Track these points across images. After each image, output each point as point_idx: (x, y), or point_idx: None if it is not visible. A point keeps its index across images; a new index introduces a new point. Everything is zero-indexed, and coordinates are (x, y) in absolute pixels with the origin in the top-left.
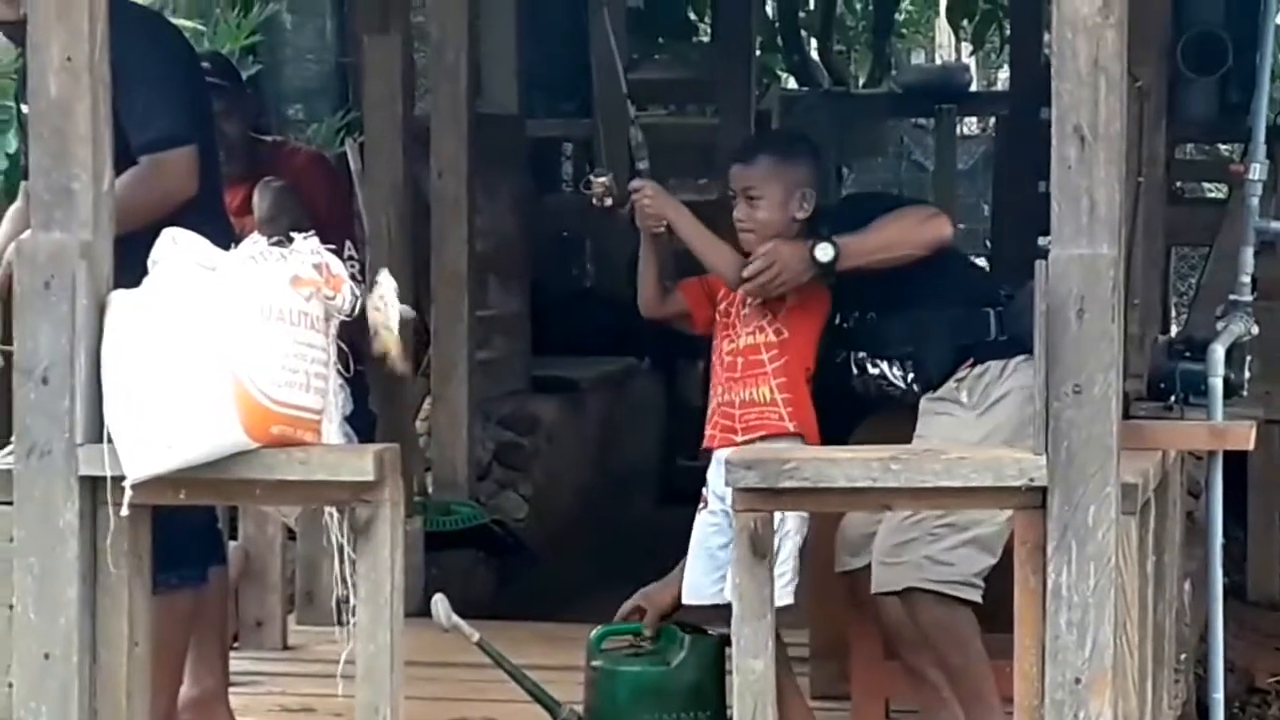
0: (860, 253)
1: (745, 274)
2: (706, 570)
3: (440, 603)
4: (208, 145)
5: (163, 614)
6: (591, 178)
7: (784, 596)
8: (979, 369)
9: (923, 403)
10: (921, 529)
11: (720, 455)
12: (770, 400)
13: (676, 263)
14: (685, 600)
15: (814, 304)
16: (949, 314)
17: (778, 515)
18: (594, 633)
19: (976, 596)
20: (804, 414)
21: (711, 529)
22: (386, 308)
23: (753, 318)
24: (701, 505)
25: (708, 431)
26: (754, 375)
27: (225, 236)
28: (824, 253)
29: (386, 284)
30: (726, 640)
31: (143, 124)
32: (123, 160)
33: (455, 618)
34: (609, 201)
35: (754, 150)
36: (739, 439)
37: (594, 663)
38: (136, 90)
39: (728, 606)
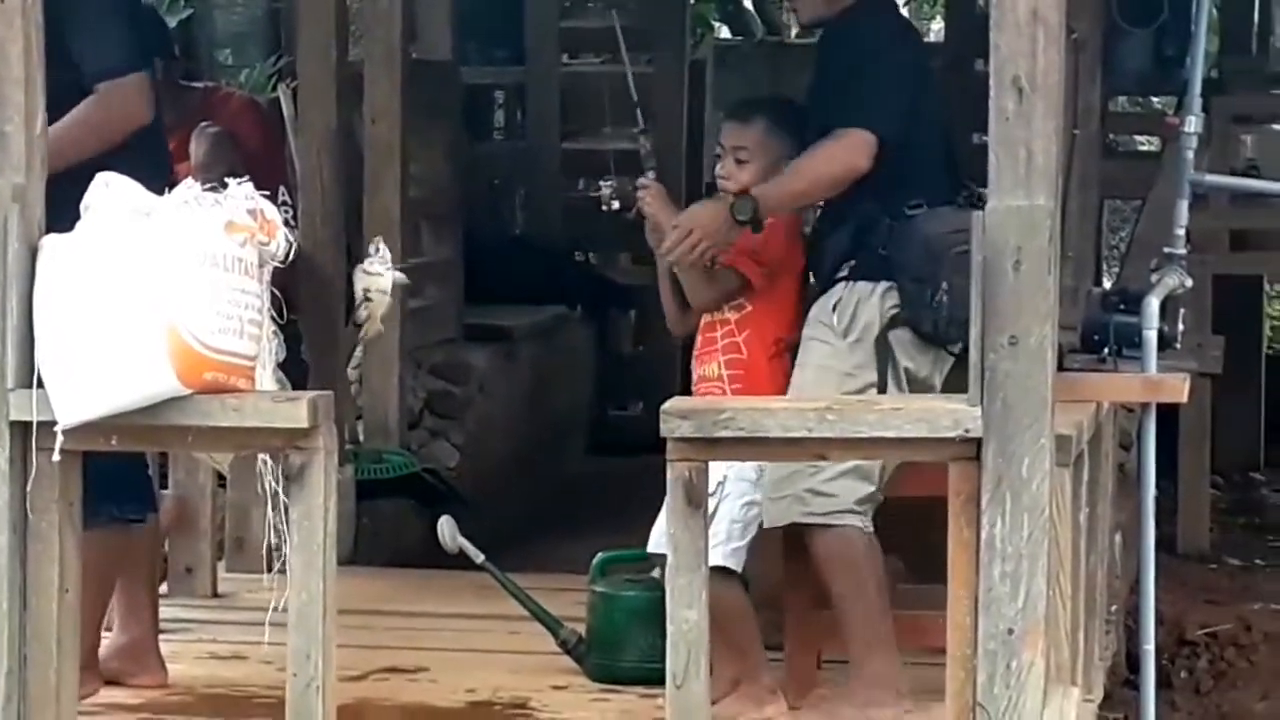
0: (780, 201)
1: (663, 249)
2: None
3: (446, 524)
4: (153, 76)
5: (92, 549)
6: (601, 183)
7: (713, 556)
8: (854, 286)
9: (812, 310)
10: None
11: None
12: (716, 376)
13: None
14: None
15: (783, 272)
16: (860, 209)
17: (716, 474)
18: (596, 558)
19: (858, 522)
20: (753, 389)
21: None
22: (384, 274)
23: None
24: None
25: None
26: (708, 352)
27: (166, 172)
28: (742, 210)
29: (384, 251)
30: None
31: (96, 53)
32: (64, 99)
33: (461, 539)
34: (616, 205)
35: (751, 112)
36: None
37: (595, 587)
38: (87, 22)
39: None
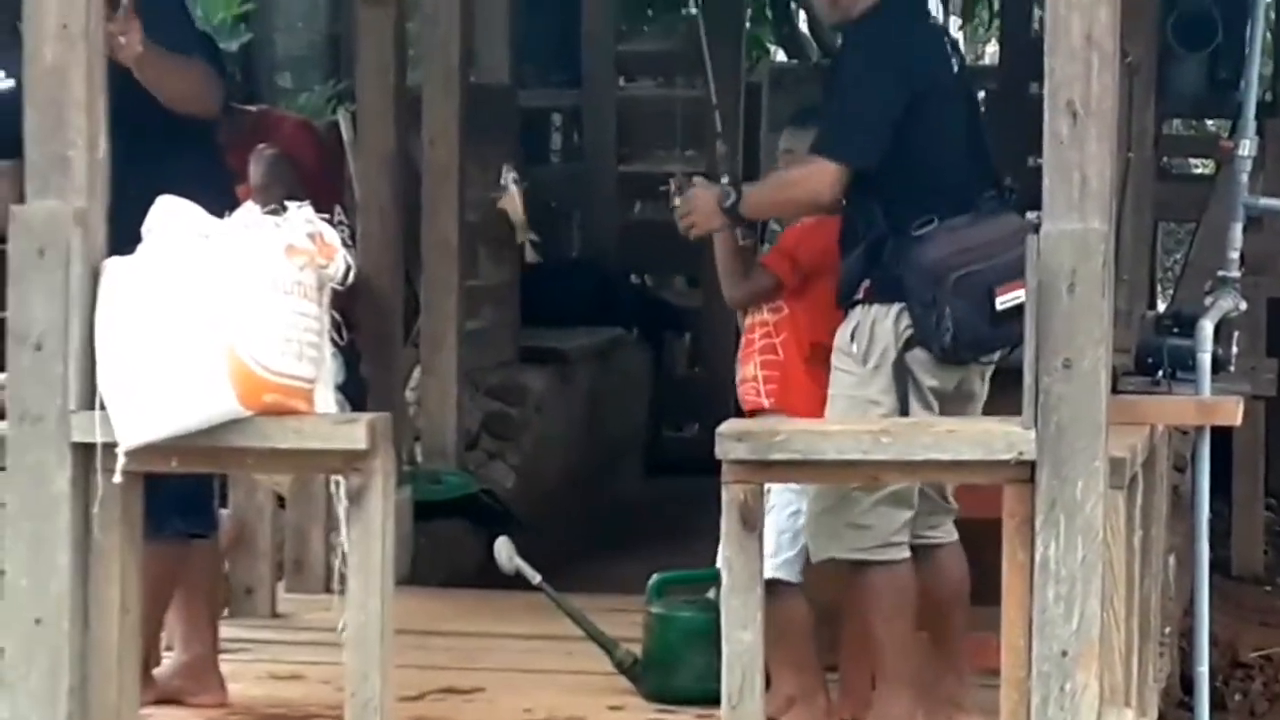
0: (753, 207)
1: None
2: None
3: (503, 544)
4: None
5: (152, 561)
6: (670, 179)
7: (765, 570)
8: (870, 309)
9: (835, 337)
10: (837, 494)
11: None
12: (752, 377)
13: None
14: None
15: (821, 276)
16: (872, 230)
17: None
18: (653, 579)
19: (895, 555)
20: (787, 391)
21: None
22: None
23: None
24: None
25: None
26: (747, 354)
27: (229, 194)
28: (727, 198)
29: (505, 176)
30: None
31: (165, 37)
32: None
33: (518, 559)
34: (677, 201)
35: (808, 117)
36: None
37: (651, 608)
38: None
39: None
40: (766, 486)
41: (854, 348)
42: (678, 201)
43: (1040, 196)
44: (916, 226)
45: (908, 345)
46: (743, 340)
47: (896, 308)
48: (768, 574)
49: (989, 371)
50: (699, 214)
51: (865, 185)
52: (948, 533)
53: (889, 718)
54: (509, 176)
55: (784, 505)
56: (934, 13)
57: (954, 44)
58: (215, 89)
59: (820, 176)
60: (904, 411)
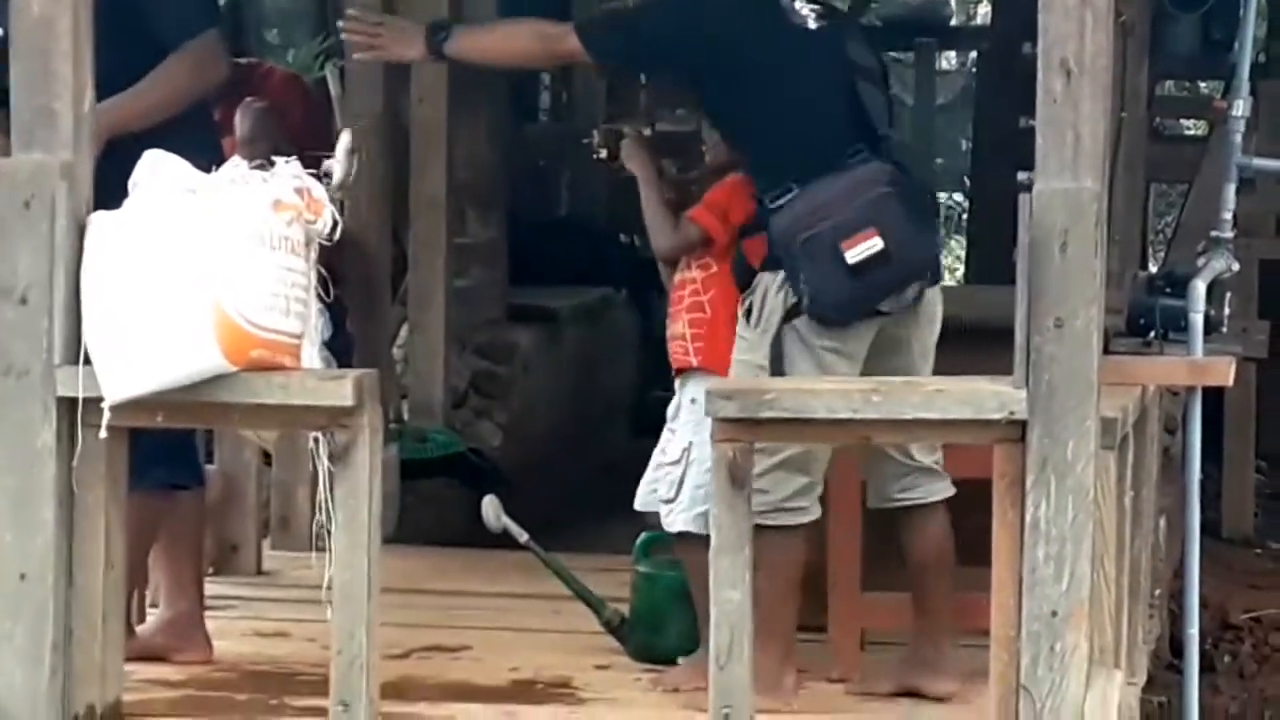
0: (470, 44)
1: (346, 18)
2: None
3: (490, 503)
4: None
5: (135, 510)
6: (595, 130)
7: (677, 522)
8: (762, 277)
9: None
10: (762, 459)
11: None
12: (680, 334)
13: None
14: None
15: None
16: (760, 199)
17: (681, 441)
18: (640, 538)
19: (790, 520)
20: (715, 349)
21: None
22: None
23: (684, 260)
24: None
25: None
26: (676, 310)
27: (216, 147)
28: (438, 33)
29: (340, 145)
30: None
31: (175, 13)
32: (120, 75)
33: (505, 518)
34: (604, 153)
35: None
36: (672, 373)
37: (638, 567)
38: None
39: None
40: (687, 440)
41: (750, 314)
42: (603, 154)
43: (1032, 156)
44: (773, 199)
45: (793, 311)
46: (671, 298)
47: (781, 274)
48: (682, 526)
49: (910, 315)
50: (392, 39)
51: (747, 155)
52: (925, 494)
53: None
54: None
55: (703, 461)
56: None
57: (825, 11)
58: (218, 61)
59: (559, 42)
60: (780, 374)
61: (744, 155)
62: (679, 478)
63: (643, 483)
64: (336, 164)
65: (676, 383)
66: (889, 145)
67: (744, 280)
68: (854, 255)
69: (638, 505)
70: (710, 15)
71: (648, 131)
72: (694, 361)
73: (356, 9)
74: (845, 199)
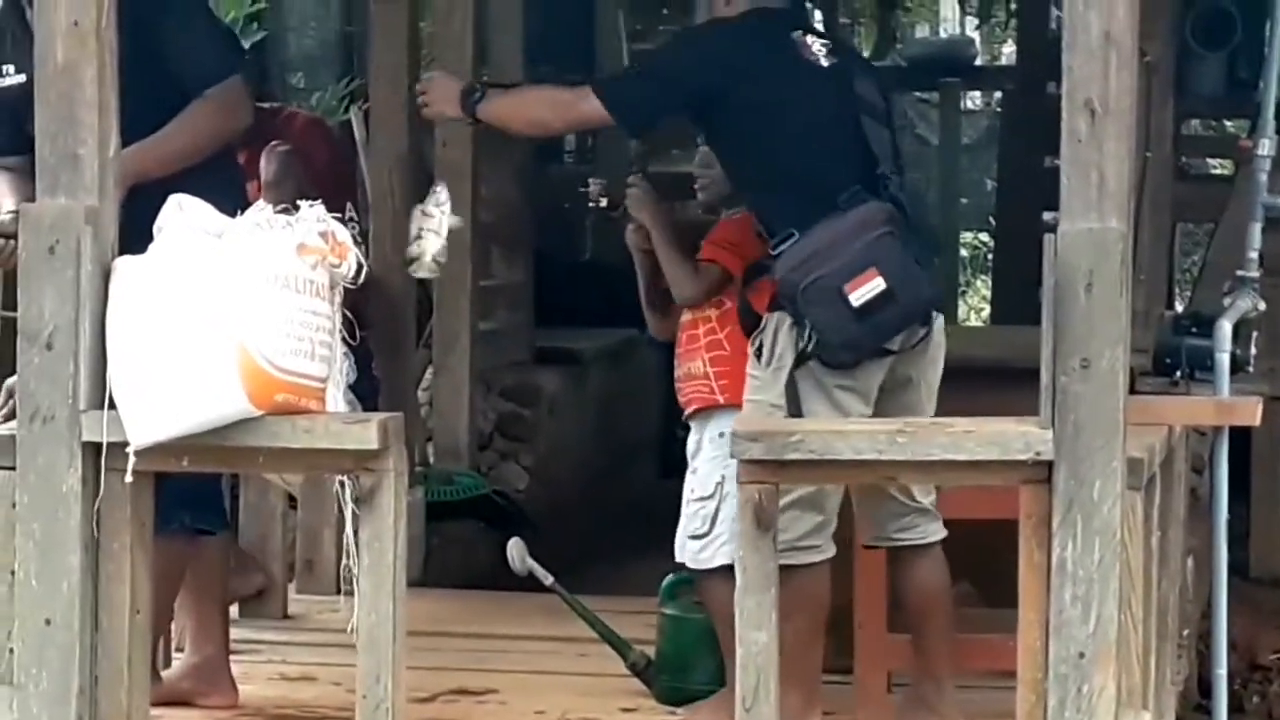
0: (496, 110)
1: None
2: None
3: (515, 546)
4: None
5: (160, 555)
6: (591, 180)
7: (717, 557)
8: (775, 316)
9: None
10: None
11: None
12: (702, 374)
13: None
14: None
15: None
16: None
17: (714, 476)
18: (666, 581)
19: (806, 559)
20: (737, 384)
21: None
22: (436, 214)
23: None
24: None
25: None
26: (692, 350)
27: (240, 191)
28: (473, 93)
29: (441, 193)
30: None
31: (199, 59)
32: (149, 116)
33: (530, 561)
34: (604, 202)
35: None
36: (686, 413)
37: (664, 609)
38: (185, 30)
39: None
40: (719, 474)
41: (760, 353)
42: (602, 203)
43: (1057, 196)
44: (776, 244)
45: (804, 354)
46: (680, 338)
47: (790, 317)
48: (721, 560)
49: (917, 353)
50: (437, 96)
51: (749, 196)
52: (922, 534)
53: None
54: (437, 194)
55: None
56: (801, 32)
57: (835, 46)
58: (243, 108)
59: (580, 109)
60: (797, 414)
61: (748, 191)
62: (713, 512)
63: (680, 532)
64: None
65: (693, 423)
66: (888, 184)
67: (749, 322)
68: (858, 297)
69: (680, 558)
70: (728, 46)
71: (635, 177)
72: (721, 400)
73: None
74: (846, 241)
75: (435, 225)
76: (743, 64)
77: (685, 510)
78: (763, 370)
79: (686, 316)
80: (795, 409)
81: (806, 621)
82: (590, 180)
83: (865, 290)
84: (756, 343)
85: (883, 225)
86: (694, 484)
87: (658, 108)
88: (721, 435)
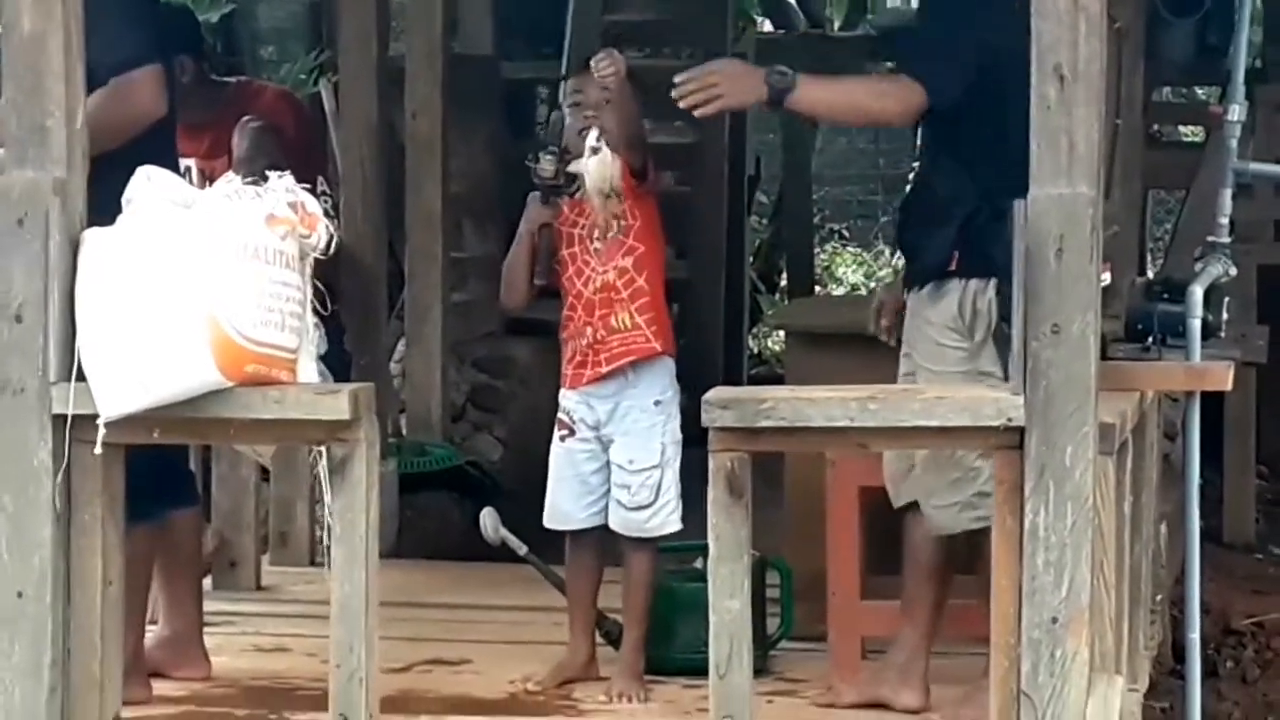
0: (812, 99)
1: (677, 80)
2: (578, 495)
3: (489, 515)
4: (169, 70)
5: (132, 545)
6: (541, 154)
7: (673, 524)
8: (968, 285)
9: (924, 310)
10: (962, 467)
11: (594, 389)
12: (633, 325)
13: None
14: (551, 525)
15: (651, 211)
16: (964, 202)
17: (654, 445)
18: None
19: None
20: (667, 330)
21: (584, 455)
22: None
23: (609, 253)
24: (563, 433)
25: (570, 371)
26: (612, 306)
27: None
28: (780, 81)
29: (592, 135)
30: (764, 561)
31: (110, 46)
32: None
33: (503, 530)
34: (548, 174)
35: (606, 56)
36: (604, 369)
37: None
38: (102, 15)
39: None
40: (659, 443)
41: (959, 322)
42: (550, 174)
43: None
44: (995, 210)
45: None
46: (598, 299)
47: (993, 282)
48: (670, 528)
49: None
50: (731, 85)
51: (953, 152)
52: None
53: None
54: (593, 140)
55: (675, 456)
56: None
57: None
58: (147, 99)
59: (906, 100)
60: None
61: (972, 152)
62: (658, 480)
63: (568, 498)
64: (585, 166)
65: (607, 385)
66: None
67: (933, 273)
68: None
69: (558, 524)
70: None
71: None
72: (658, 347)
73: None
74: None
75: (585, 165)
76: (997, 20)
77: (622, 481)
78: (967, 340)
79: (605, 279)
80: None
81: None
82: (541, 154)
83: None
84: (951, 308)
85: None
86: (631, 454)
87: (961, 85)
88: (658, 403)
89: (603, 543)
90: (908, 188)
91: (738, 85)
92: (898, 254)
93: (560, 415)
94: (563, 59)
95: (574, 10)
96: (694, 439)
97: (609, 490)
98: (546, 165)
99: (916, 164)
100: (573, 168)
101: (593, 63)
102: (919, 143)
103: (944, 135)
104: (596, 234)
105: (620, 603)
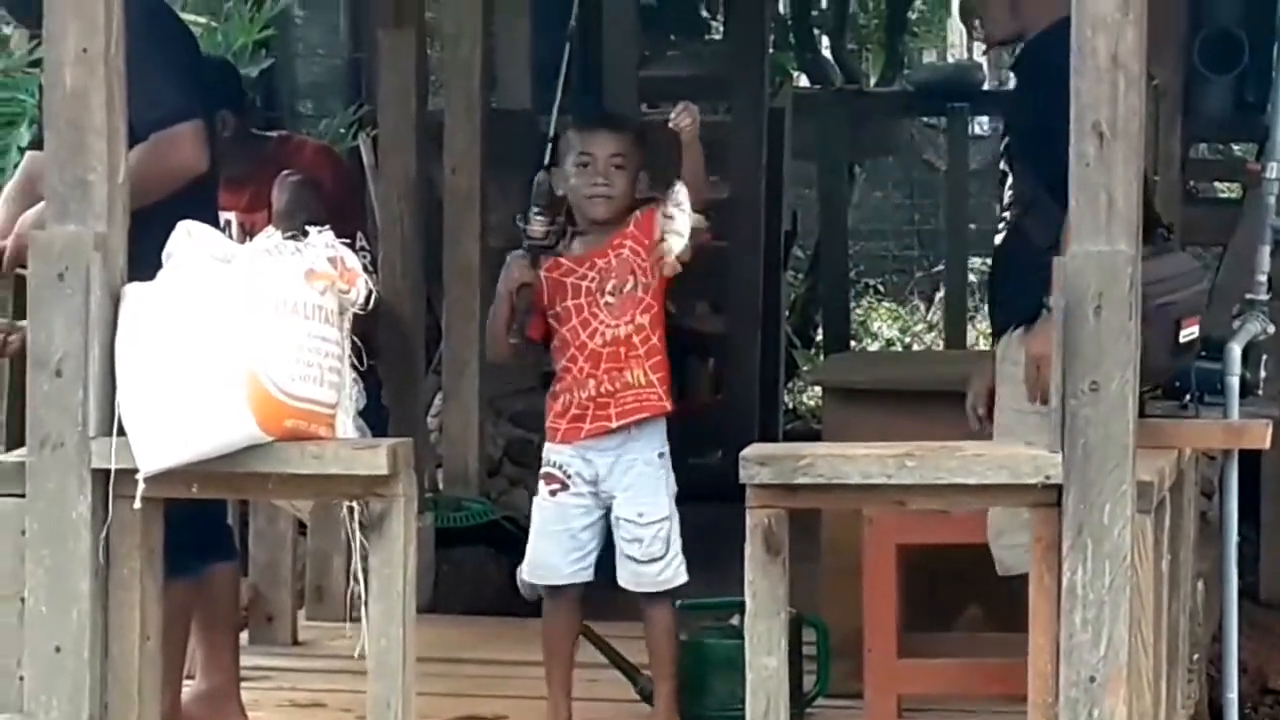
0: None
1: (674, 114)
2: (566, 551)
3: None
4: (210, 125)
5: (170, 600)
6: (532, 214)
7: (683, 575)
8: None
9: (1000, 348)
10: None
11: (594, 443)
12: (646, 382)
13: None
14: (533, 580)
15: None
16: (1055, 249)
17: (663, 494)
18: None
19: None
20: (668, 386)
21: (577, 510)
22: (679, 215)
23: (623, 308)
24: (554, 488)
25: (564, 425)
26: (627, 360)
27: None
28: None
29: (681, 193)
30: (800, 618)
31: (151, 102)
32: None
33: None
34: (538, 235)
35: (620, 120)
36: (613, 424)
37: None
38: (142, 71)
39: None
40: (665, 499)
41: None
42: (542, 233)
43: None
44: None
45: None
46: (606, 352)
47: None
48: (680, 580)
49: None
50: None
51: (1048, 203)
52: None
53: None
54: (675, 195)
55: (674, 512)
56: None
57: None
58: (188, 155)
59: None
60: None
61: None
62: (668, 532)
63: (555, 553)
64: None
65: (610, 439)
66: (1171, 234)
67: (1024, 316)
68: (1186, 335)
69: (547, 579)
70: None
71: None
72: (667, 406)
73: (390, 89)
74: (1189, 279)
75: (678, 226)
76: None
77: (632, 535)
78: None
79: (619, 333)
80: None
81: None
82: (531, 214)
83: (1190, 331)
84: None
85: (1204, 279)
86: (640, 507)
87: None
88: (661, 455)
89: (583, 600)
90: (997, 238)
91: None
92: (983, 307)
93: (549, 469)
94: (551, 120)
95: (609, 66)
96: (730, 496)
97: (596, 547)
98: (537, 226)
99: (1005, 214)
100: (676, 227)
101: (672, 114)
102: (1007, 196)
103: (1042, 188)
104: (610, 287)
105: (643, 658)
